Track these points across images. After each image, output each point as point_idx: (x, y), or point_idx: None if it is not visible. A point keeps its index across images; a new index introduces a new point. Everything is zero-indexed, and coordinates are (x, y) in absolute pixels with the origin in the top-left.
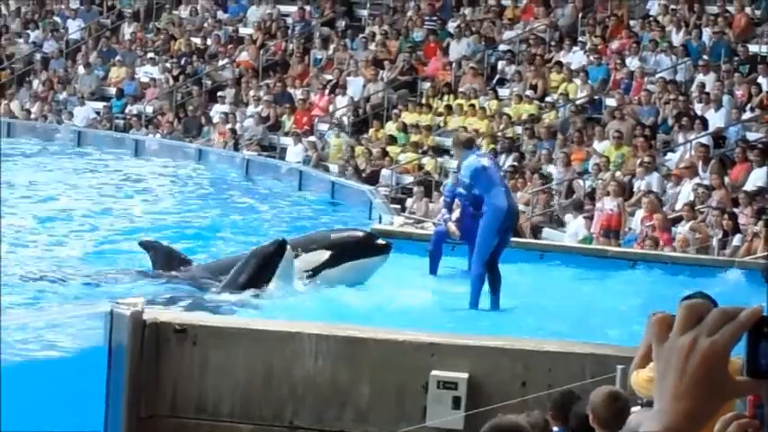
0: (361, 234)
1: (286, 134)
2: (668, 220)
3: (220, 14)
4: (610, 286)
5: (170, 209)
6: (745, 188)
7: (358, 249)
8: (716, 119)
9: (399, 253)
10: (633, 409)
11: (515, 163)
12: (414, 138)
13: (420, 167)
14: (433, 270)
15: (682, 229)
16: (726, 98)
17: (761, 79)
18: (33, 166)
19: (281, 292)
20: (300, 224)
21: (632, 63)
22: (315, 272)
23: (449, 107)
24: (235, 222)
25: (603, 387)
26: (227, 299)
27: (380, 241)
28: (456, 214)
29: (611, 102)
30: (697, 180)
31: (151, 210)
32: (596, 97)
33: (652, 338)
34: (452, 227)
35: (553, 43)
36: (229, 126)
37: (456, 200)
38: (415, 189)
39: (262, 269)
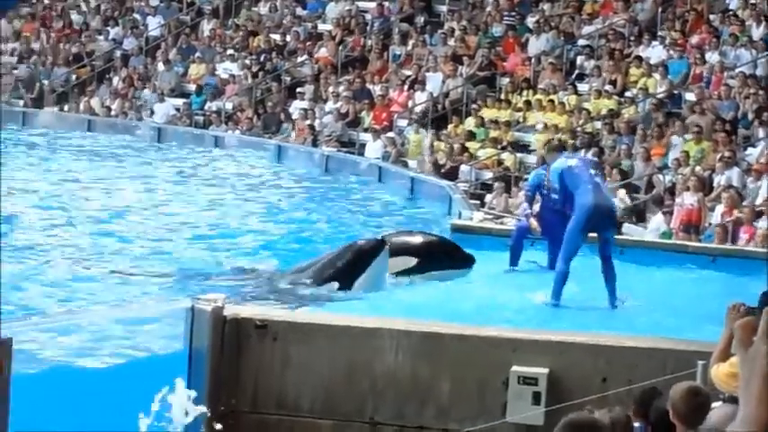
0: (449, 245)
1: (365, 130)
2: (754, 212)
3: (299, 11)
4: (690, 282)
5: (250, 207)
6: None
7: (445, 260)
8: None
9: (479, 249)
10: (714, 404)
11: (595, 158)
12: (493, 133)
13: (499, 163)
14: (514, 263)
15: (762, 225)
16: None
17: None
18: (116, 163)
19: (368, 291)
20: (380, 220)
21: (712, 57)
22: (398, 275)
23: (528, 102)
24: (314, 219)
25: (684, 382)
26: (311, 291)
27: (466, 252)
28: (536, 208)
29: (690, 96)
30: None
31: (233, 207)
32: (676, 92)
33: (736, 344)
34: (534, 222)
35: (632, 38)
36: (308, 122)
37: (537, 194)
38: (496, 185)
39: (355, 265)
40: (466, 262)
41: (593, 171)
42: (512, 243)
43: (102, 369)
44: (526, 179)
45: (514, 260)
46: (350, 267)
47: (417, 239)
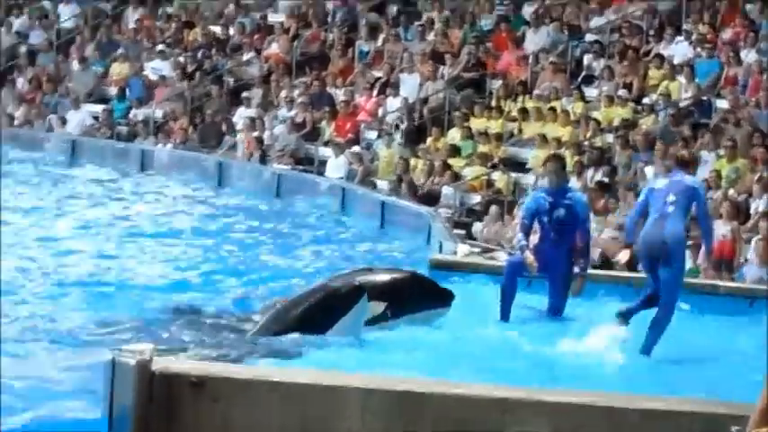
0: (422, 281)
1: (325, 144)
2: None
3: None
4: (723, 328)
5: (182, 239)
6: None
7: (419, 299)
8: None
9: (465, 288)
10: None
11: (605, 178)
12: (481, 148)
13: (489, 184)
14: (505, 313)
15: None
16: None
17: None
18: (17, 184)
19: (341, 339)
20: (344, 254)
21: (749, 56)
22: (366, 324)
23: (524, 111)
24: (262, 255)
25: None
26: (270, 341)
27: (443, 288)
28: (534, 240)
29: (722, 104)
30: None
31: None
32: (704, 98)
33: None
34: (530, 256)
35: (652, 32)
36: (256, 134)
37: (535, 223)
38: (492, 209)
39: (329, 311)
40: (444, 299)
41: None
42: (503, 283)
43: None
44: (522, 203)
45: (506, 306)
46: (323, 313)
47: (383, 278)
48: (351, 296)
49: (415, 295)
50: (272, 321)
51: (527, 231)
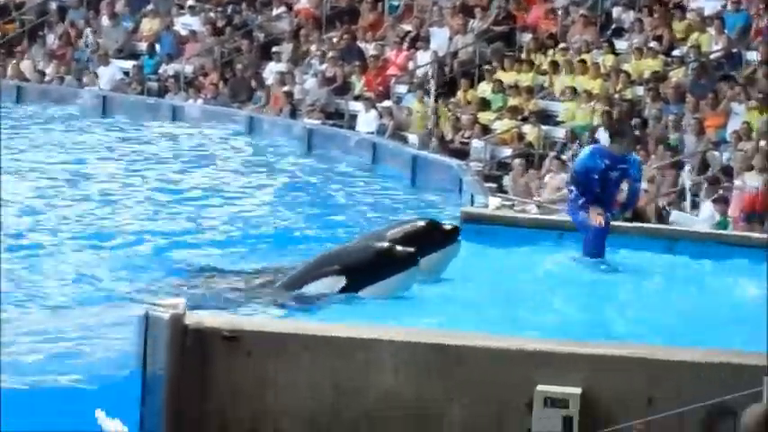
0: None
1: (356, 98)
2: None
3: None
4: (754, 282)
5: (213, 193)
6: None
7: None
8: None
9: (495, 242)
10: None
11: (636, 131)
12: (511, 101)
13: (520, 137)
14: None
15: None
16: None
17: None
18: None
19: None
20: (375, 208)
21: None
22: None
23: (554, 64)
24: (293, 209)
25: (757, 406)
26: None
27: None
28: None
29: (752, 55)
30: None
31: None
32: (734, 50)
33: None
34: (596, 212)
35: None
36: (286, 88)
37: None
38: (515, 162)
39: (376, 268)
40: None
41: None
42: (591, 252)
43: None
44: (559, 157)
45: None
46: (368, 269)
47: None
48: (404, 259)
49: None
50: (305, 273)
51: (582, 188)
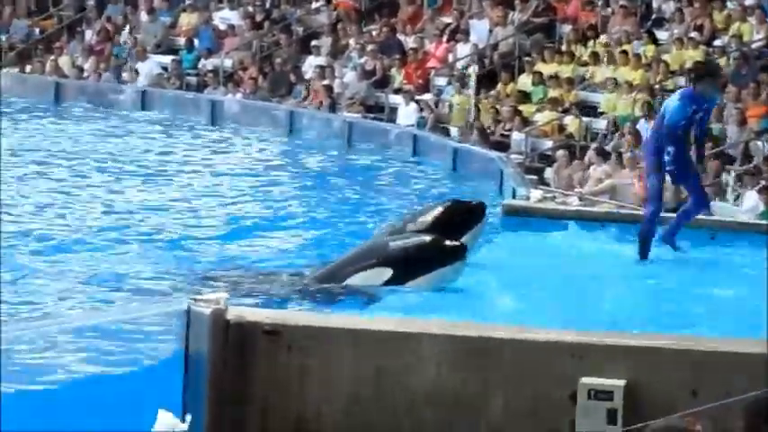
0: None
1: (396, 91)
2: None
3: None
4: None
5: (255, 187)
6: None
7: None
8: None
9: (537, 234)
10: None
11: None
12: (552, 93)
13: (561, 129)
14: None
15: None
16: None
17: None
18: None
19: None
20: (418, 201)
21: None
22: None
23: (595, 55)
24: (334, 202)
25: None
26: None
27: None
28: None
29: None
30: None
31: (232, 188)
32: None
33: None
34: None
35: None
36: (326, 82)
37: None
38: (559, 154)
39: (424, 261)
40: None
41: None
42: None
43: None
44: (603, 149)
45: (645, 248)
46: (416, 261)
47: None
48: (452, 252)
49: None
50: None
51: (678, 141)
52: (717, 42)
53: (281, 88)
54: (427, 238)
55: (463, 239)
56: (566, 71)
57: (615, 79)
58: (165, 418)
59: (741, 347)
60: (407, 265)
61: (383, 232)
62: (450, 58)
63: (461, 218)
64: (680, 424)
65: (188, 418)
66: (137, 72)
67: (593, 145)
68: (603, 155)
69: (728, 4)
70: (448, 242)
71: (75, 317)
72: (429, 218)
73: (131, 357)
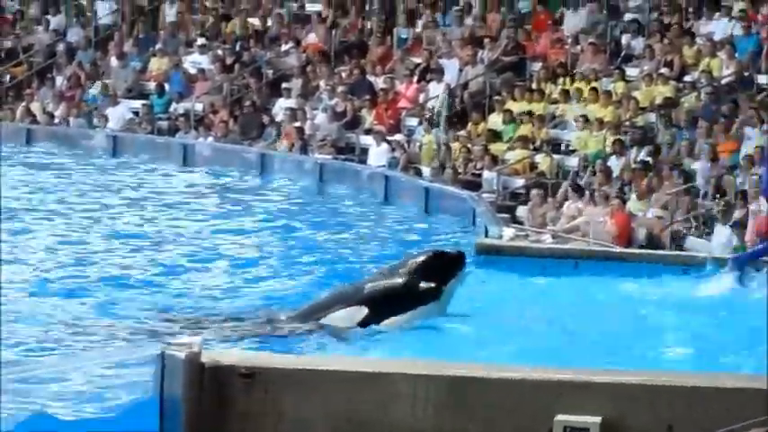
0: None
1: (367, 132)
2: None
3: None
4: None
5: (225, 228)
6: None
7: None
8: None
9: (511, 272)
10: None
11: (649, 158)
12: (523, 131)
13: (532, 167)
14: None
15: None
16: None
17: None
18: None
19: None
20: (389, 242)
21: None
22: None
23: (565, 92)
24: (307, 244)
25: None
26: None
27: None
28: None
29: (764, 79)
30: None
31: (200, 231)
32: (746, 74)
33: None
34: None
35: (691, 10)
36: (297, 124)
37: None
38: (533, 193)
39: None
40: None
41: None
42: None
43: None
44: (578, 185)
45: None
46: (391, 302)
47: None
48: (427, 294)
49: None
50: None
51: None
52: (687, 78)
53: (251, 131)
54: (402, 279)
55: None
56: (536, 109)
57: (586, 116)
58: None
59: (717, 382)
60: (382, 306)
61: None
62: (421, 98)
63: (441, 269)
64: None
65: None
66: (107, 118)
67: (567, 182)
68: (578, 191)
69: (698, 39)
70: (423, 284)
71: (48, 362)
72: (408, 269)
73: (105, 404)
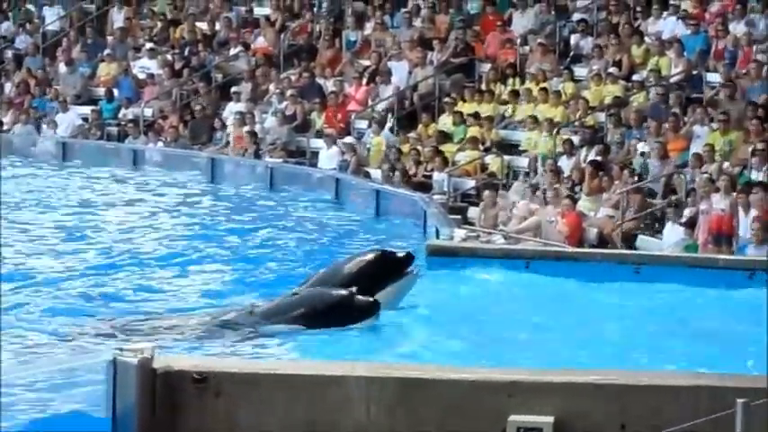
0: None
1: (317, 135)
2: None
3: None
4: (723, 303)
5: (177, 234)
6: None
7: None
8: None
9: (463, 273)
10: None
11: (599, 157)
12: (473, 132)
13: (483, 168)
14: None
15: None
16: None
17: None
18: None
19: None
20: (341, 244)
21: (737, 29)
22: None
23: (515, 93)
24: (259, 248)
25: None
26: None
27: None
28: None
29: (713, 77)
30: None
31: (154, 236)
32: (695, 72)
33: None
34: None
35: (639, 8)
36: (247, 128)
37: None
38: (486, 194)
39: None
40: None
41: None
42: None
43: None
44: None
45: None
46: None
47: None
48: (366, 310)
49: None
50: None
51: None
52: (635, 77)
53: (201, 136)
54: (338, 294)
55: (389, 290)
56: (486, 110)
57: (536, 117)
58: None
59: (668, 380)
60: (319, 323)
61: (308, 283)
62: (370, 100)
63: (388, 268)
64: None
65: None
66: (56, 124)
67: (516, 182)
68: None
69: (646, 38)
70: (361, 298)
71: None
72: (354, 269)
73: (57, 410)
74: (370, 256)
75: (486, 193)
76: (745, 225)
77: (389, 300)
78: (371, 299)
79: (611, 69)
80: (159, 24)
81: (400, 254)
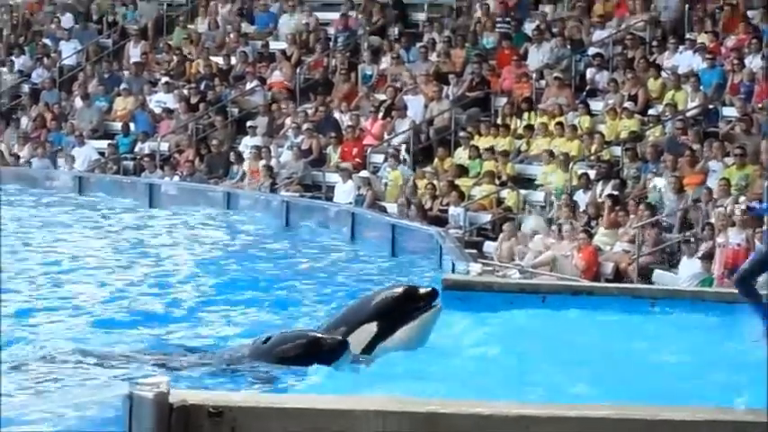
0: (402, 289)
1: (333, 169)
2: None
3: (246, 27)
4: (741, 338)
5: (189, 270)
6: None
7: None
8: None
9: (478, 308)
10: None
11: (615, 191)
12: (489, 166)
13: (499, 202)
14: None
15: None
16: None
17: None
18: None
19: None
20: (356, 278)
21: (753, 62)
22: (369, 349)
23: (530, 127)
24: (273, 283)
25: None
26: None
27: (425, 290)
28: None
29: (729, 111)
30: None
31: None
32: (711, 106)
33: None
34: None
35: (655, 43)
36: (263, 163)
37: None
38: (505, 227)
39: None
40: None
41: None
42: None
43: None
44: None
45: None
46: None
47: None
48: (333, 351)
49: (400, 304)
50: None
51: None
52: (651, 111)
53: (217, 170)
54: (308, 336)
55: (414, 324)
56: (502, 144)
57: (551, 151)
58: None
59: (689, 415)
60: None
61: (333, 318)
62: (386, 135)
63: (413, 303)
64: None
65: None
66: (73, 158)
67: (527, 216)
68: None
69: (663, 72)
70: (327, 340)
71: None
72: (381, 304)
73: None
74: (395, 291)
75: (506, 225)
76: None
77: (415, 335)
78: (339, 338)
79: (627, 104)
80: (175, 59)
81: (425, 289)
